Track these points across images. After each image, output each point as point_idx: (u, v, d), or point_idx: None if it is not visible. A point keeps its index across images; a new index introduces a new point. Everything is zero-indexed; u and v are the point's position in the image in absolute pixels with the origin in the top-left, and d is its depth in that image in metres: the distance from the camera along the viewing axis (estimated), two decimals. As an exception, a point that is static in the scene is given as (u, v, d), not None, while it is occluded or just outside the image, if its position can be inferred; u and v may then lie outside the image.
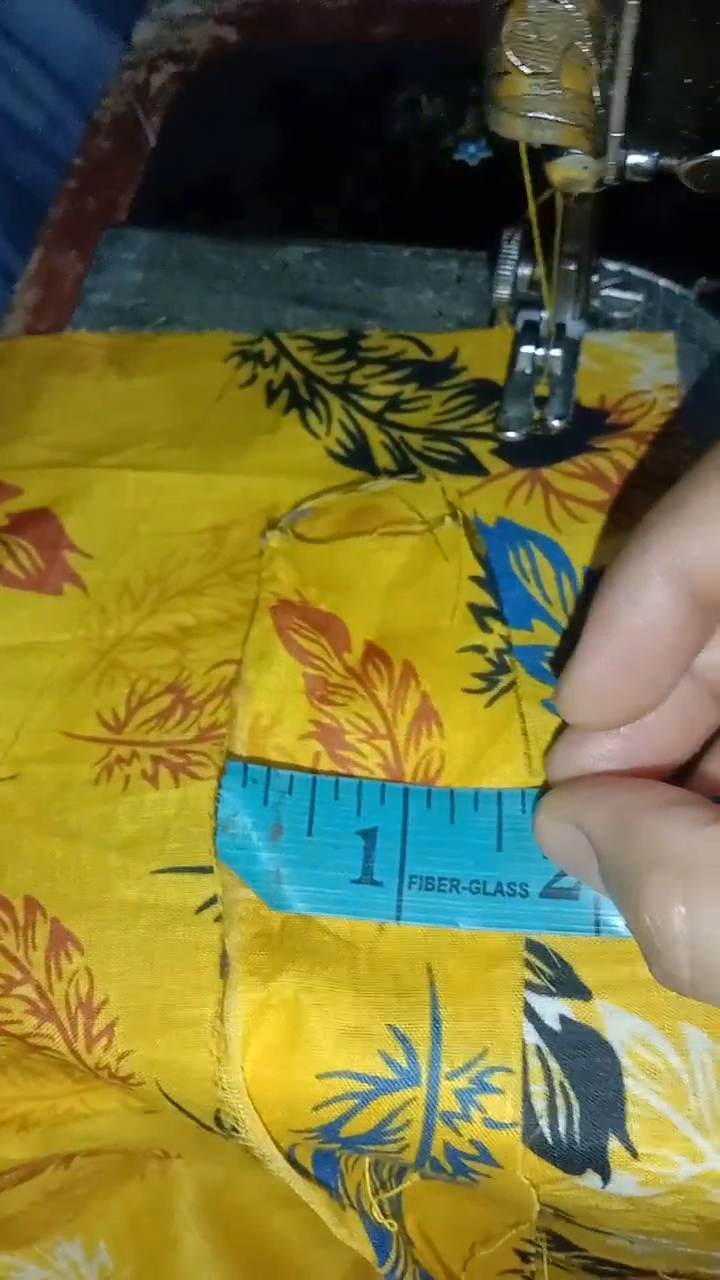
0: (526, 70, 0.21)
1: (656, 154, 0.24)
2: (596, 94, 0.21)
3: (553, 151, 0.24)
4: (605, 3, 0.20)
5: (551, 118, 0.21)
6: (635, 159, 0.24)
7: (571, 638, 0.29)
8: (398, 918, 0.25)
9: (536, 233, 0.28)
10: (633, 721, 0.24)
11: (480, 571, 0.31)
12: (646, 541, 0.22)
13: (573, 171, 0.25)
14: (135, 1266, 0.37)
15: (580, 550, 0.31)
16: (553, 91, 0.21)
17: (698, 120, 0.22)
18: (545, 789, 0.26)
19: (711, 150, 0.23)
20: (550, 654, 0.30)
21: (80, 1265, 0.36)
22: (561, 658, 0.29)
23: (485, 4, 0.21)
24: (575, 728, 0.25)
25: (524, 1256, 0.35)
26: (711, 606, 0.22)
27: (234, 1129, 0.26)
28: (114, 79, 0.46)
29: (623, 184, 0.25)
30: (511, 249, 0.31)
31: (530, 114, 0.22)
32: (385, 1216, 0.29)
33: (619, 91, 0.20)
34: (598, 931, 0.25)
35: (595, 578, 0.30)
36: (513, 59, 0.21)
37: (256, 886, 0.26)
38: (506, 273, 0.31)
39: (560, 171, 0.25)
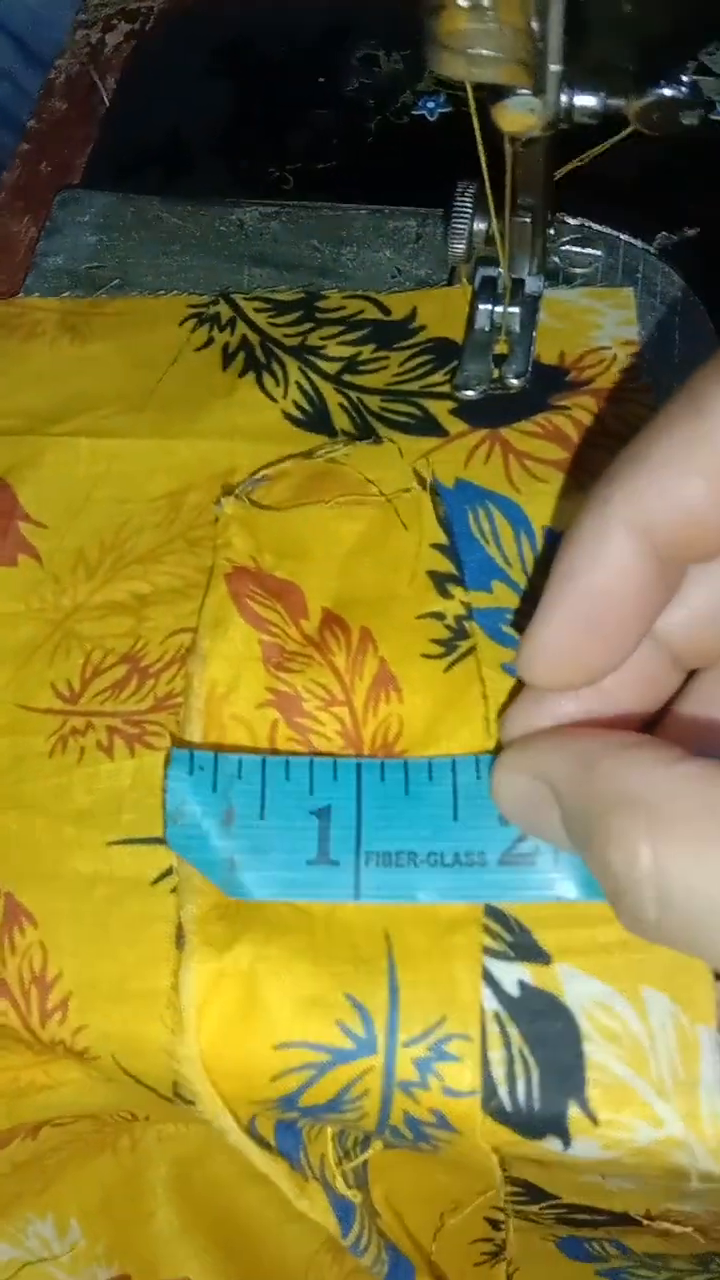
0: (463, 3, 0.20)
1: (603, 94, 0.23)
2: (535, 27, 0.20)
3: (498, 94, 0.24)
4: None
5: (491, 54, 0.21)
6: (582, 100, 0.23)
7: (532, 599, 0.28)
8: (356, 896, 0.25)
9: (488, 183, 0.28)
10: (594, 683, 0.23)
11: (443, 538, 0.30)
12: (607, 494, 0.21)
13: (520, 114, 0.24)
14: (107, 1242, 0.37)
15: (540, 511, 0.30)
16: (490, 26, 0.20)
17: (639, 54, 0.22)
18: (498, 750, 0.26)
19: (658, 87, 0.22)
20: (510, 616, 0.29)
21: (52, 1243, 0.36)
22: (522, 619, 0.29)
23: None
24: (532, 688, 0.25)
25: (494, 1224, 0.35)
26: (674, 561, 0.22)
27: (191, 1101, 0.25)
28: (69, 38, 0.45)
29: (572, 127, 0.25)
30: (466, 202, 0.30)
31: (469, 50, 0.21)
32: (349, 1187, 0.29)
33: (555, 21, 0.19)
34: (557, 897, 0.24)
35: (555, 538, 0.30)
36: (448, -8, 0.20)
37: (212, 875, 0.25)
38: (461, 227, 0.30)
39: (507, 115, 0.24)
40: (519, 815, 0.24)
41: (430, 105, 0.41)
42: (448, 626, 0.29)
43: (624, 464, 0.21)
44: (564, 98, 0.23)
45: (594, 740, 0.22)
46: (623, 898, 0.20)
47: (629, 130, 0.25)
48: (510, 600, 0.29)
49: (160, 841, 0.26)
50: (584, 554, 0.22)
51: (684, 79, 0.22)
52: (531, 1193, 0.32)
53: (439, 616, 0.29)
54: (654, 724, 0.25)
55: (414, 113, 0.41)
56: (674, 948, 0.20)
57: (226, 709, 0.28)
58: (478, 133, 0.26)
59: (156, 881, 0.26)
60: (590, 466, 0.31)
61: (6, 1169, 0.34)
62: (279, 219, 0.37)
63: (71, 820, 0.27)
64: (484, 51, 0.21)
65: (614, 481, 0.21)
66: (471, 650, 0.28)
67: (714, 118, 0.39)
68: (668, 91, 0.22)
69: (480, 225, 0.31)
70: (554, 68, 0.21)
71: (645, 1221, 0.32)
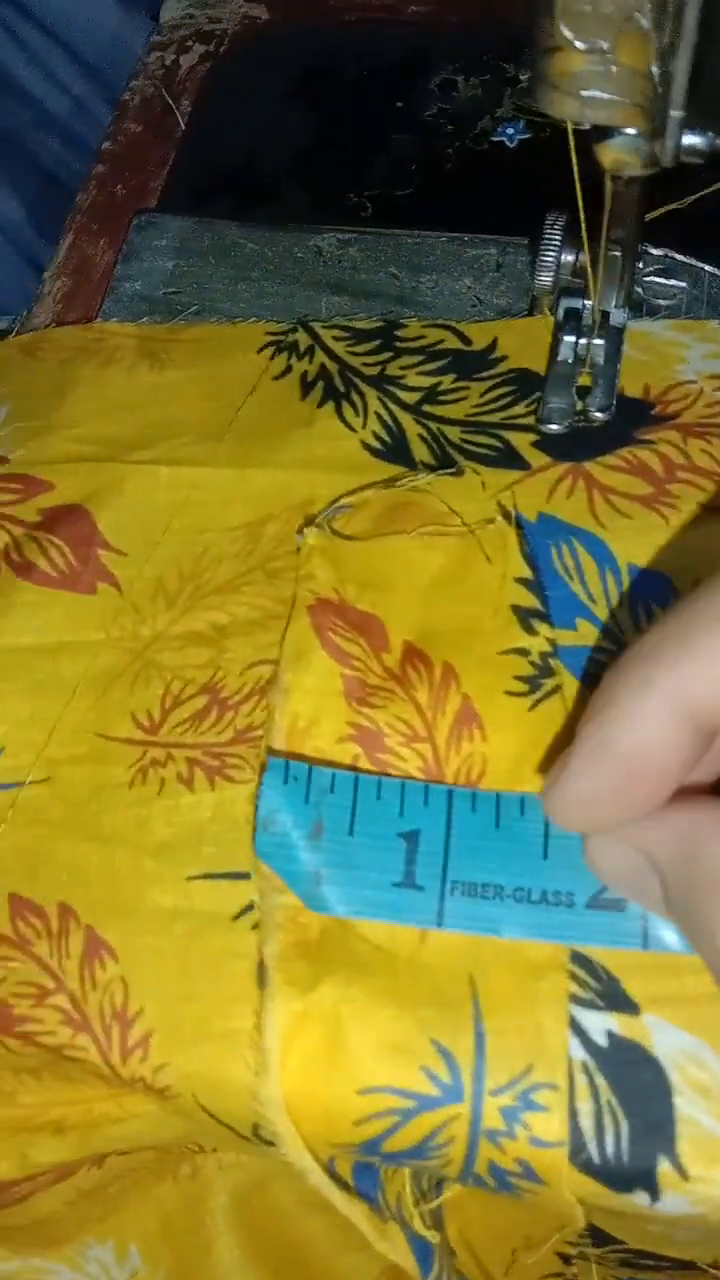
0: (581, 45, 0.20)
1: (712, 134, 0.23)
2: (655, 70, 0.19)
3: (601, 132, 0.23)
4: (665, -27, 0.19)
5: (607, 96, 0.20)
6: (689, 140, 0.23)
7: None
8: (439, 924, 0.25)
9: (583, 217, 0.27)
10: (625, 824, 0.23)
11: (528, 573, 0.30)
12: (649, 675, 0.21)
13: (624, 153, 0.23)
14: (167, 1269, 0.36)
15: (625, 546, 0.30)
16: (608, 68, 0.20)
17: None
18: None
19: (772, 130, 0.22)
20: (597, 655, 0.29)
21: (111, 1268, 0.36)
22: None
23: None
24: None
25: (565, 1259, 0.35)
26: (714, 731, 0.21)
27: (271, 1142, 0.25)
28: (142, 60, 0.45)
29: (674, 166, 0.24)
30: (555, 234, 0.30)
31: (584, 92, 0.20)
32: (428, 1228, 0.29)
33: (682, 67, 0.19)
34: (645, 945, 0.24)
35: (641, 575, 0.30)
36: (566, 33, 0.20)
37: (296, 887, 0.25)
38: (549, 259, 0.30)
39: (611, 153, 0.24)
40: (615, 881, 0.24)
41: (510, 132, 0.41)
42: (532, 663, 0.28)
43: (664, 647, 0.21)
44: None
45: (699, 814, 0.21)
46: None
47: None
48: (595, 638, 0.29)
49: (241, 876, 0.26)
50: (620, 726, 0.21)
51: None
52: (597, 1236, 0.32)
53: (523, 653, 0.29)
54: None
55: (493, 139, 0.41)
56: None
57: (308, 742, 0.28)
58: (575, 167, 0.26)
59: (237, 917, 0.26)
60: (675, 502, 0.30)
61: (73, 1196, 0.34)
62: (357, 246, 0.37)
63: (151, 853, 0.27)
64: (599, 94, 0.20)
65: (657, 662, 0.21)
66: (557, 689, 0.28)
67: None
68: (780, 134, 0.22)
69: (568, 257, 0.31)
70: (675, 114, 0.20)
71: (711, 1270, 0.32)
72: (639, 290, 0.34)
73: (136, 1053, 0.25)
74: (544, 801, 0.23)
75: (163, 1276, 0.37)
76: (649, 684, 0.21)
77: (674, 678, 0.21)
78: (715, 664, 0.20)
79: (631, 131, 0.23)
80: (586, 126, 0.23)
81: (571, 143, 0.25)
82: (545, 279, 0.31)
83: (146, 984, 0.26)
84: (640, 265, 0.34)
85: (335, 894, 0.25)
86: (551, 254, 0.30)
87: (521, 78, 0.41)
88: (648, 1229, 0.29)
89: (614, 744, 0.21)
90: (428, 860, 0.25)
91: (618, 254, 0.30)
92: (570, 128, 0.24)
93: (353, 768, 0.27)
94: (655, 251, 0.35)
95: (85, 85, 0.52)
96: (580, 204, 0.27)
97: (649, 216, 0.28)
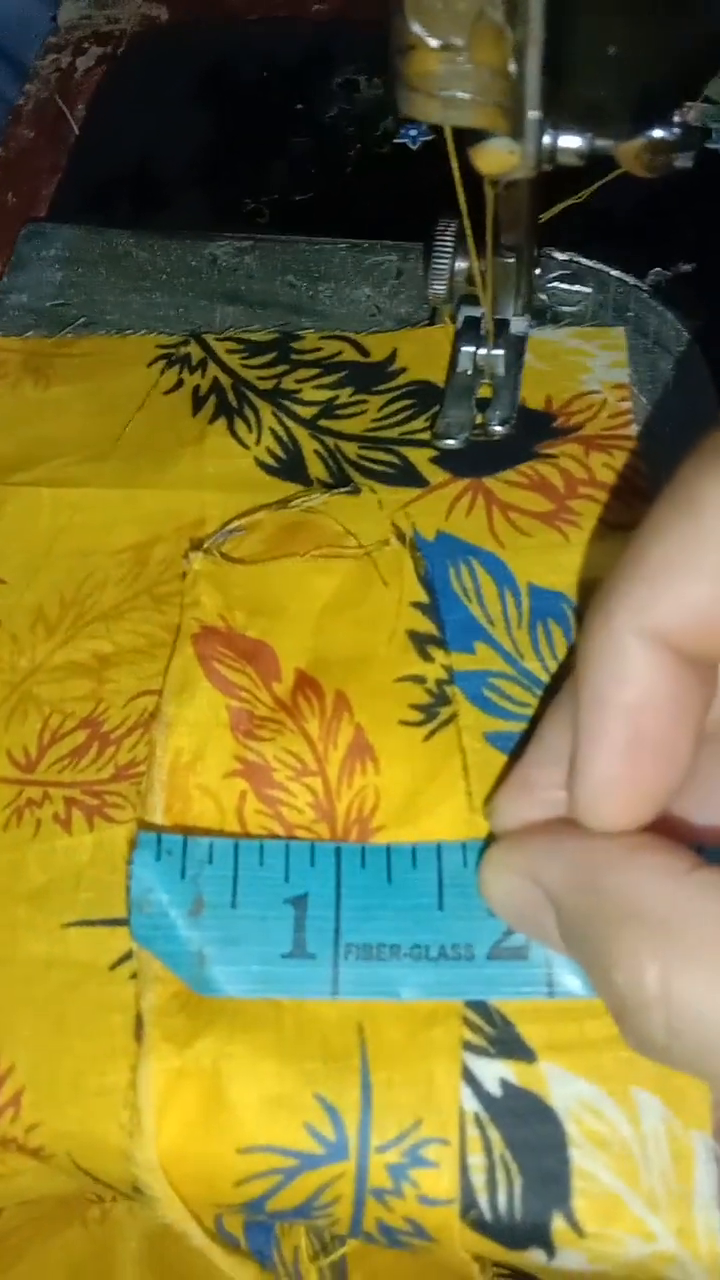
0: (435, 43, 0.19)
1: (590, 134, 0.22)
2: (513, 68, 0.18)
3: (477, 134, 0.22)
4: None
5: (466, 96, 0.19)
6: (567, 141, 0.22)
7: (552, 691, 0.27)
8: (334, 993, 0.23)
9: (468, 224, 0.26)
10: (664, 807, 0.21)
11: (424, 597, 0.29)
12: (609, 606, 0.19)
13: (500, 156, 0.22)
14: (75, 1322, 0.35)
15: (525, 565, 0.29)
16: (465, 67, 0.19)
17: (627, 96, 0.20)
18: (488, 839, 0.24)
19: (648, 129, 0.20)
20: (494, 680, 0.27)
21: (16, 1323, 0.34)
22: None
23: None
24: (518, 773, 0.23)
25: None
26: (703, 662, 0.20)
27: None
28: (37, 62, 0.44)
29: (556, 168, 0.23)
30: (447, 240, 0.29)
31: (442, 93, 0.19)
32: (325, 1285, 0.28)
33: (533, 65, 0.18)
34: (551, 993, 0.23)
35: (541, 595, 0.28)
36: (419, 31, 0.18)
37: (178, 970, 0.24)
38: (442, 267, 0.29)
39: (486, 157, 0.22)
40: (510, 915, 0.23)
41: (413, 133, 0.39)
42: (428, 691, 0.27)
43: (622, 572, 0.20)
44: (547, 139, 0.22)
45: (595, 842, 0.20)
46: (628, 1018, 0.18)
47: (618, 172, 0.23)
48: (493, 662, 0.28)
49: (119, 923, 0.25)
50: (604, 675, 0.20)
51: (675, 120, 0.21)
52: (515, 1273, 0.30)
53: (419, 680, 0.28)
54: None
55: (396, 141, 0.39)
56: (682, 1071, 0.19)
57: (191, 779, 0.27)
58: (455, 172, 0.25)
59: (115, 966, 0.25)
60: (576, 519, 0.29)
61: (-33, 1252, 0.33)
62: (254, 254, 0.36)
63: (26, 900, 0.26)
64: (458, 94, 0.19)
65: (614, 592, 0.19)
66: (453, 718, 0.27)
67: (711, 146, 0.37)
68: (659, 133, 0.21)
69: (462, 264, 0.29)
70: (532, 114, 0.19)
71: None
72: (542, 297, 0.33)
73: (8, 1112, 0.24)
74: (579, 812, 0.21)
75: (71, 1329, 0.35)
76: (610, 617, 0.19)
77: (632, 604, 0.19)
78: (668, 581, 0.19)
79: (502, 134, 0.21)
80: (452, 128, 0.22)
81: (451, 145, 0.24)
82: (439, 287, 0.30)
83: (18, 1039, 0.24)
84: (540, 270, 0.32)
85: (222, 973, 0.23)
86: (444, 261, 0.29)
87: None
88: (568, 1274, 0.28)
89: (606, 700, 0.20)
90: (318, 925, 0.24)
91: (511, 260, 0.28)
92: (449, 131, 0.23)
93: (239, 808, 0.26)
94: (560, 256, 0.34)
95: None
96: (464, 209, 0.26)
97: (544, 216, 0.27)
